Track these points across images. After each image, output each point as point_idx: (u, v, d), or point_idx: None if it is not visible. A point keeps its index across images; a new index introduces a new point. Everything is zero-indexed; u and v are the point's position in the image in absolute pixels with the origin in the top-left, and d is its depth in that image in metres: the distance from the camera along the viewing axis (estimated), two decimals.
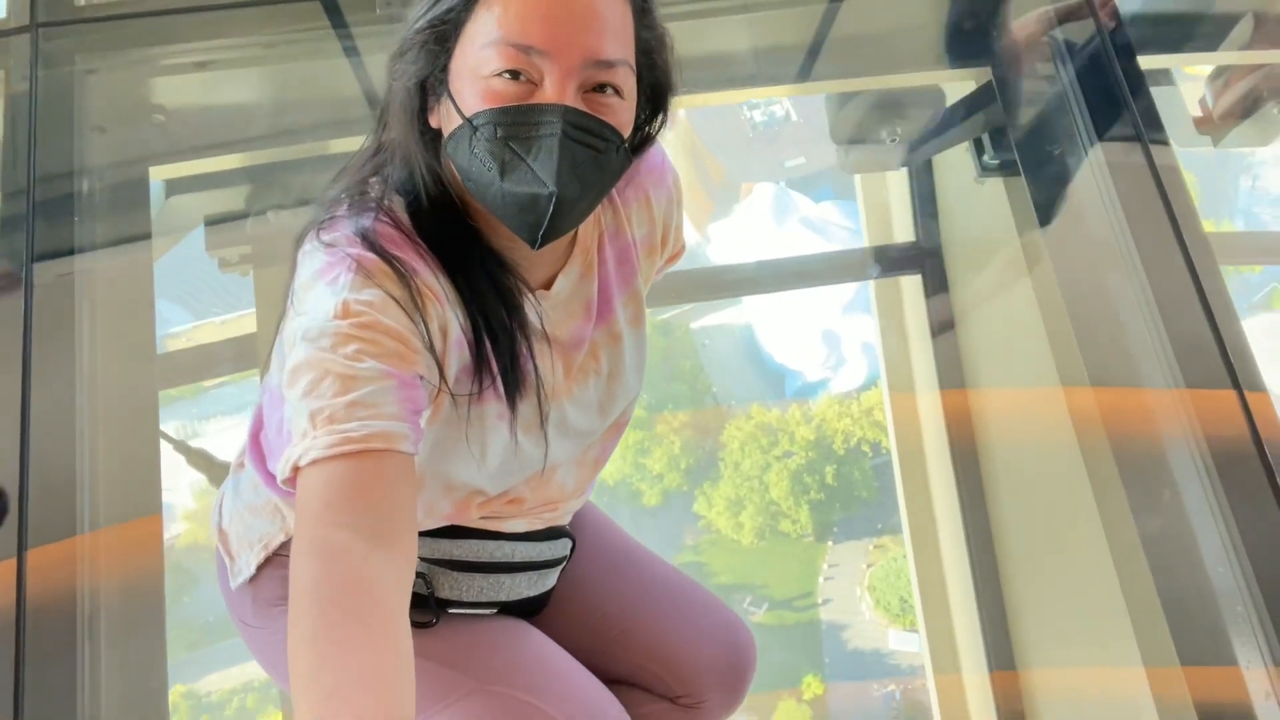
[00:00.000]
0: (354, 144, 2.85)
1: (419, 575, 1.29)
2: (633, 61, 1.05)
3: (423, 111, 1.08)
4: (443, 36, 1.04)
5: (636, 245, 1.29)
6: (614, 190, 1.21)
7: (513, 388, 1.13)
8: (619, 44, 1.03)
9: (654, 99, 1.13)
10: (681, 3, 2.89)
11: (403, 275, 1.03)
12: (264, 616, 1.37)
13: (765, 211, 18.38)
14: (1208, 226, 2.43)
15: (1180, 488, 2.17)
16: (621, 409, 1.33)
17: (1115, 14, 2.74)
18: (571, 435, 1.27)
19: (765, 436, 17.34)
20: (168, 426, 2.51)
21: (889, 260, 3.62)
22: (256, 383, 2.76)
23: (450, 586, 1.33)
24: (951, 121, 3.05)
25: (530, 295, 1.16)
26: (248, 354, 3.09)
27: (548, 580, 1.45)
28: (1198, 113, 3.11)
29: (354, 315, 0.99)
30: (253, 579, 1.37)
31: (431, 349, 1.05)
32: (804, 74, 3.07)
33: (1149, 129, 2.53)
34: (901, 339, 3.61)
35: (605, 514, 1.63)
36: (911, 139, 3.18)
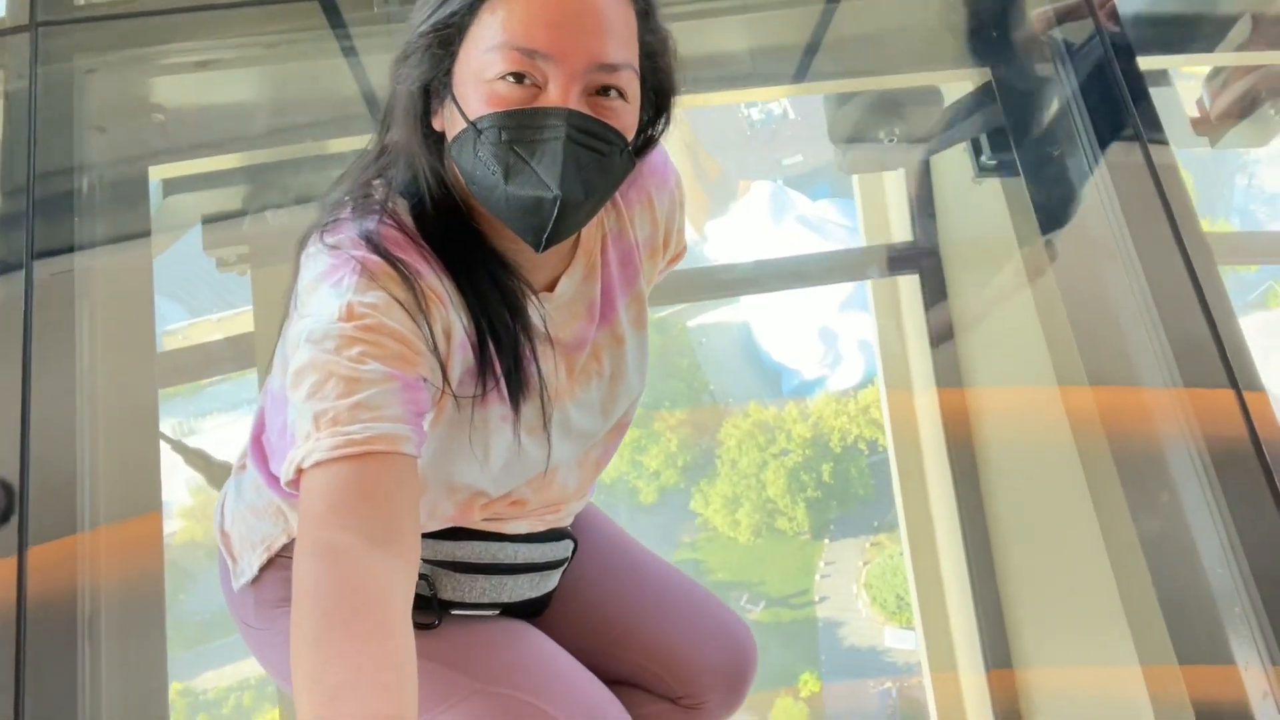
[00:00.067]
0: (352, 144, 2.87)
1: (422, 577, 1.30)
2: (636, 64, 1.06)
3: (426, 114, 1.09)
4: (446, 40, 1.04)
5: (639, 247, 1.29)
6: (617, 192, 1.21)
7: (516, 390, 1.13)
8: (623, 47, 1.03)
9: (657, 101, 1.14)
10: (680, 3, 2.89)
11: (407, 278, 1.04)
12: (266, 618, 1.37)
13: (763, 209, 18.36)
14: (1204, 225, 2.43)
15: (1177, 487, 2.18)
16: (623, 410, 1.33)
17: (1114, 14, 2.75)
18: (574, 436, 1.27)
19: (762, 434, 17.33)
20: (164, 425, 2.51)
21: (887, 260, 3.62)
22: (254, 380, 2.76)
23: (453, 588, 1.33)
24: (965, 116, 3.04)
25: (533, 297, 1.17)
26: (245, 353, 3.09)
27: (549, 581, 1.45)
28: (1195, 113, 3.11)
29: (358, 318, 0.99)
30: (255, 580, 1.37)
31: (435, 351, 1.05)
32: (801, 74, 3.08)
33: (1148, 129, 2.54)
34: (899, 338, 3.62)
35: (607, 515, 1.64)
36: (914, 136, 3.18)
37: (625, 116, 1.05)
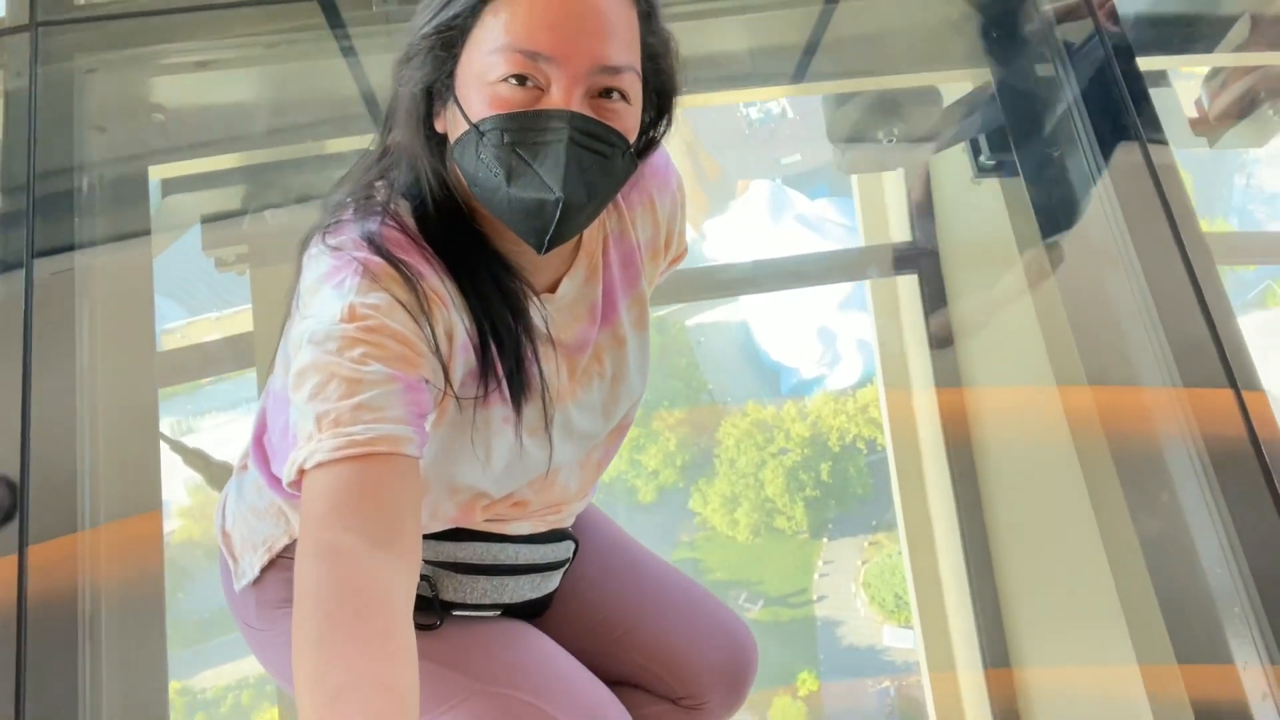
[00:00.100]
0: (351, 144, 2.87)
1: (423, 578, 1.30)
2: (638, 66, 1.06)
3: (428, 116, 1.09)
4: (449, 42, 1.04)
5: (641, 248, 1.30)
6: (619, 194, 1.21)
7: (518, 391, 1.14)
8: (625, 50, 1.03)
9: (658, 102, 1.14)
10: (679, 3, 2.90)
11: (409, 279, 1.04)
12: (268, 619, 1.37)
13: (761, 208, 18.36)
14: (1202, 225, 2.44)
15: (1176, 486, 2.18)
16: (625, 411, 1.33)
17: (1114, 14, 2.75)
18: (575, 438, 1.27)
19: (761, 433, 17.34)
20: (163, 424, 2.52)
21: (885, 260, 3.63)
22: (253, 379, 2.77)
23: (454, 589, 1.33)
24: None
25: (535, 299, 1.17)
26: (244, 353, 3.09)
27: (551, 582, 1.46)
28: (1193, 114, 3.12)
29: (360, 319, 0.99)
30: (256, 581, 1.37)
31: (437, 353, 1.05)
32: (800, 74, 3.08)
33: (1147, 129, 2.54)
34: (898, 337, 3.62)
35: (607, 516, 1.64)
36: (913, 136, 3.19)
37: (627, 118, 1.05)
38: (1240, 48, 3.02)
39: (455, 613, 1.35)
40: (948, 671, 3.22)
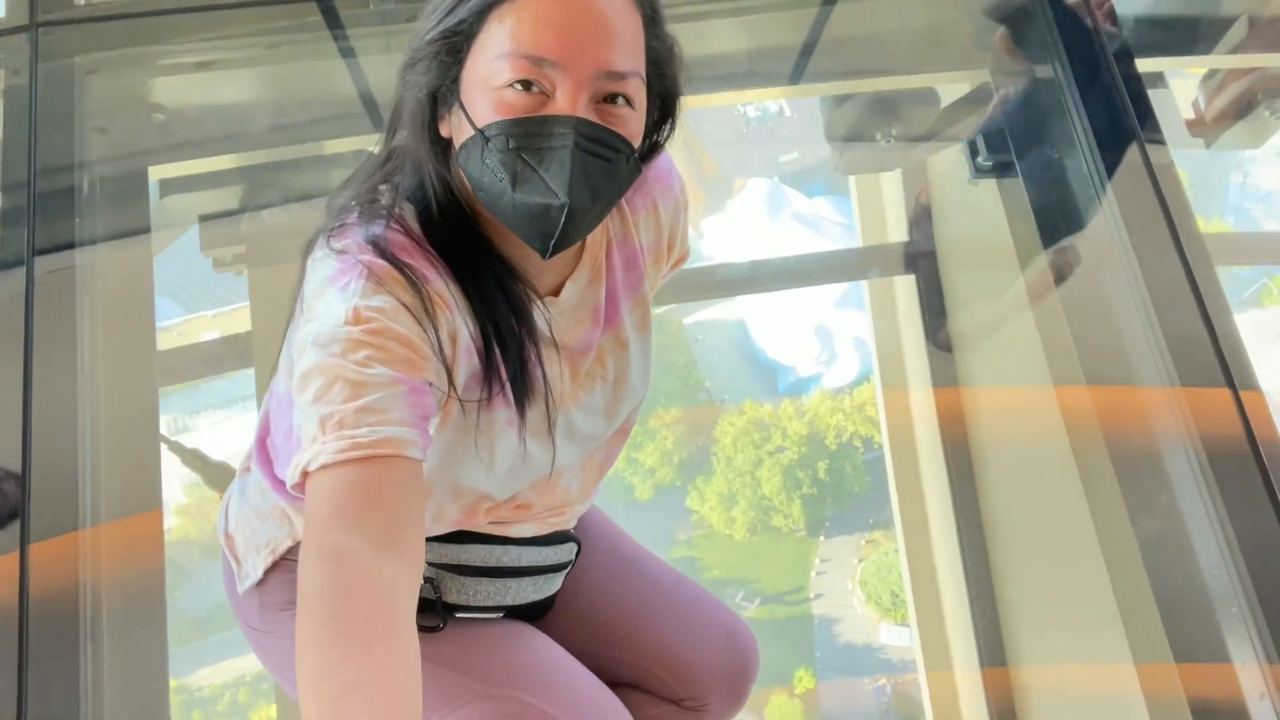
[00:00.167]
0: (350, 144, 2.87)
1: (426, 580, 1.30)
2: (643, 72, 1.06)
3: (433, 121, 1.09)
4: (455, 48, 1.04)
5: (644, 252, 1.30)
6: (623, 198, 1.22)
7: (521, 394, 1.14)
8: (630, 55, 1.04)
9: (662, 107, 1.14)
10: (676, 4, 2.90)
11: (414, 282, 1.04)
12: (271, 620, 1.37)
13: (758, 207, 18.35)
14: (1199, 224, 2.44)
15: (1173, 485, 2.19)
16: (627, 414, 1.34)
17: (1112, 15, 2.76)
18: (578, 440, 1.28)
19: (758, 432, 17.32)
20: (161, 422, 2.52)
21: (883, 260, 3.63)
22: (251, 377, 2.77)
23: (457, 591, 1.34)
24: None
25: (539, 302, 1.17)
26: (243, 352, 3.09)
27: (553, 584, 1.46)
28: (1190, 115, 3.12)
29: (365, 321, 1.00)
30: (260, 583, 1.37)
31: (441, 356, 1.06)
32: (797, 75, 3.09)
33: (1145, 130, 2.55)
34: (895, 337, 3.63)
35: (610, 518, 1.64)
36: (911, 137, 3.19)
37: (632, 124, 1.06)
38: (1237, 49, 3.02)
39: (458, 614, 1.35)
40: (944, 670, 3.22)
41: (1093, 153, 2.56)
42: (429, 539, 1.28)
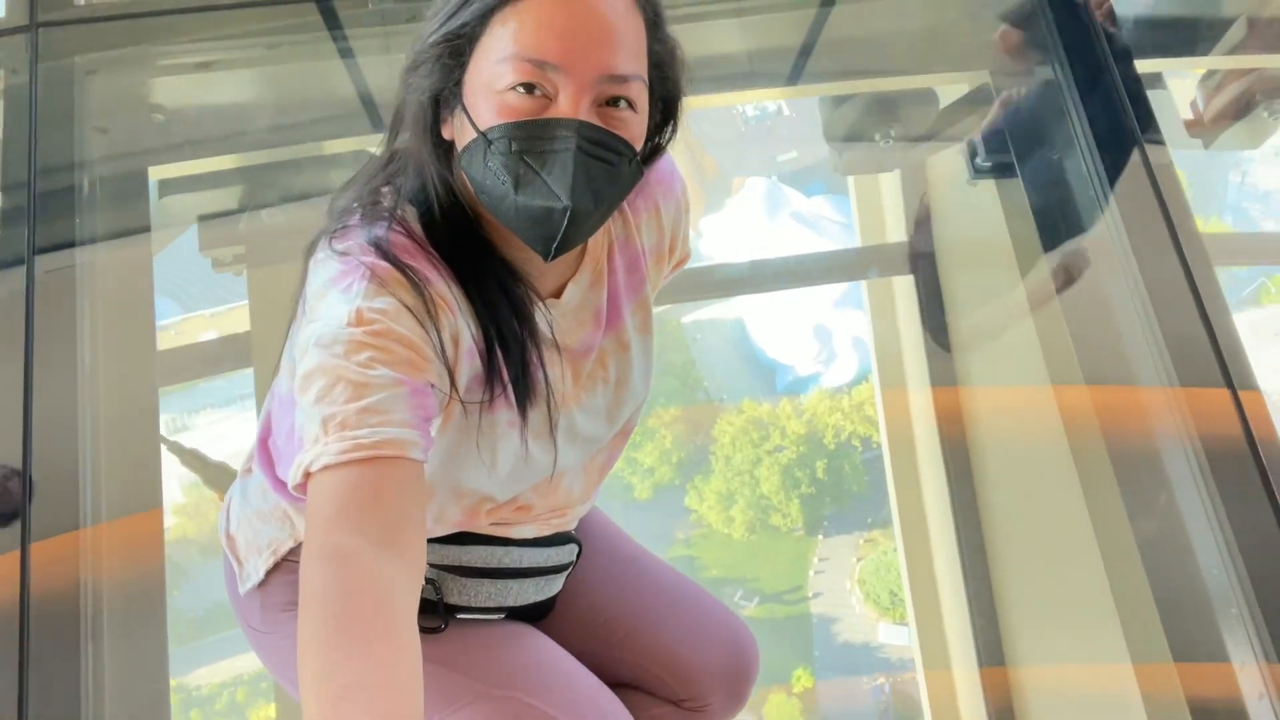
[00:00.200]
0: (348, 145, 2.87)
1: (428, 581, 1.29)
2: (645, 75, 1.06)
3: (436, 124, 1.09)
4: (457, 51, 1.04)
5: (645, 254, 1.30)
6: (624, 200, 1.22)
7: (523, 396, 1.14)
8: (633, 58, 1.04)
9: (664, 109, 1.15)
10: (676, 5, 2.90)
11: (416, 284, 1.04)
12: (272, 622, 1.38)
13: (757, 206, 18.35)
14: (1197, 223, 2.44)
15: (1172, 485, 2.19)
16: (628, 415, 1.34)
17: (1111, 16, 2.76)
18: (580, 442, 1.28)
19: (756, 431, 17.31)
20: (160, 421, 2.53)
21: (882, 260, 3.64)
22: (249, 375, 2.77)
23: (459, 592, 1.34)
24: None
25: (541, 304, 1.18)
26: (241, 352, 3.09)
27: (554, 585, 1.46)
28: (1189, 115, 3.12)
29: (367, 323, 1.00)
30: (261, 584, 1.37)
31: (443, 357, 1.06)
32: (796, 76, 3.09)
33: (1144, 131, 2.55)
34: (894, 336, 3.62)
35: (610, 519, 1.64)
36: (910, 137, 3.19)
37: (634, 127, 1.06)
38: (1236, 49, 3.02)
39: (459, 616, 1.36)
40: (943, 669, 3.22)
41: (1092, 153, 2.56)
42: (430, 540, 1.29)
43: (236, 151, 2.88)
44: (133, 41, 2.78)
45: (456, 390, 1.09)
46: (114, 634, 2.10)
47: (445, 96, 1.07)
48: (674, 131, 1.18)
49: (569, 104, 1.01)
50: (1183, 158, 2.68)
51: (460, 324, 1.09)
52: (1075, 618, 2.64)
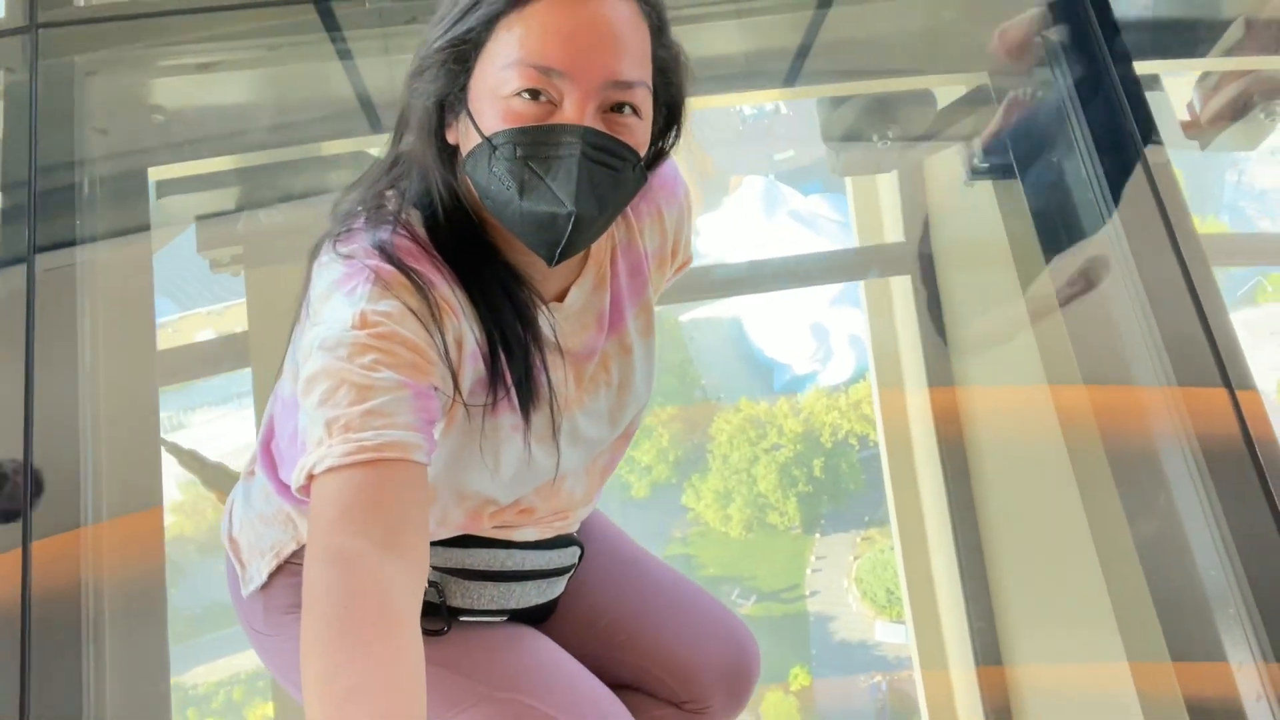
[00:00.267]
0: (347, 145, 2.87)
1: (431, 584, 1.31)
2: (650, 81, 1.07)
3: (440, 128, 1.09)
4: (462, 56, 1.05)
5: (648, 257, 1.31)
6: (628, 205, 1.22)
7: (527, 399, 1.14)
8: (637, 65, 1.04)
9: (668, 115, 1.15)
10: (674, 6, 2.90)
11: (420, 287, 1.05)
12: (275, 624, 1.38)
13: (754, 205, 18.35)
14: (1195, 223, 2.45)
15: (1170, 484, 2.19)
16: (630, 418, 1.34)
17: (1110, 16, 2.76)
18: (582, 445, 1.28)
19: (753, 429, 17.33)
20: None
21: (879, 261, 3.64)
22: (247, 375, 2.77)
23: (461, 595, 1.34)
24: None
25: (544, 307, 1.18)
26: (240, 352, 3.09)
27: (556, 588, 1.46)
28: (1186, 116, 3.13)
29: (371, 326, 1.00)
30: (264, 587, 1.37)
31: (447, 360, 1.06)
32: (793, 77, 3.09)
33: (1142, 131, 2.55)
34: (891, 336, 3.63)
35: (612, 521, 1.65)
36: (908, 138, 3.20)
37: (639, 133, 1.06)
38: (1232, 51, 3.03)
39: (462, 618, 1.36)
40: (940, 668, 3.23)
41: (1090, 153, 2.56)
42: (433, 543, 1.29)
43: (235, 152, 2.88)
44: (133, 42, 2.78)
45: (460, 393, 1.10)
46: (115, 632, 2.10)
47: (450, 101, 1.08)
48: (677, 136, 1.18)
49: (574, 110, 1.01)
50: (1181, 159, 2.68)
51: (464, 327, 1.09)
52: (1072, 617, 2.65)
